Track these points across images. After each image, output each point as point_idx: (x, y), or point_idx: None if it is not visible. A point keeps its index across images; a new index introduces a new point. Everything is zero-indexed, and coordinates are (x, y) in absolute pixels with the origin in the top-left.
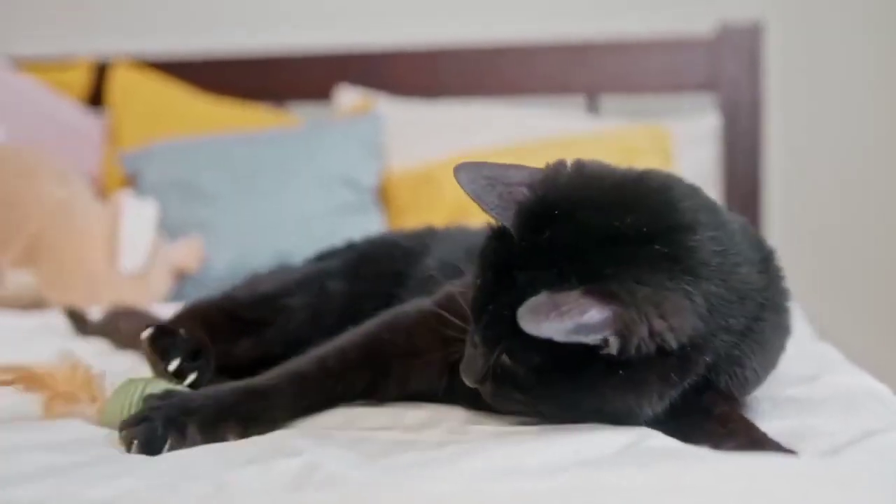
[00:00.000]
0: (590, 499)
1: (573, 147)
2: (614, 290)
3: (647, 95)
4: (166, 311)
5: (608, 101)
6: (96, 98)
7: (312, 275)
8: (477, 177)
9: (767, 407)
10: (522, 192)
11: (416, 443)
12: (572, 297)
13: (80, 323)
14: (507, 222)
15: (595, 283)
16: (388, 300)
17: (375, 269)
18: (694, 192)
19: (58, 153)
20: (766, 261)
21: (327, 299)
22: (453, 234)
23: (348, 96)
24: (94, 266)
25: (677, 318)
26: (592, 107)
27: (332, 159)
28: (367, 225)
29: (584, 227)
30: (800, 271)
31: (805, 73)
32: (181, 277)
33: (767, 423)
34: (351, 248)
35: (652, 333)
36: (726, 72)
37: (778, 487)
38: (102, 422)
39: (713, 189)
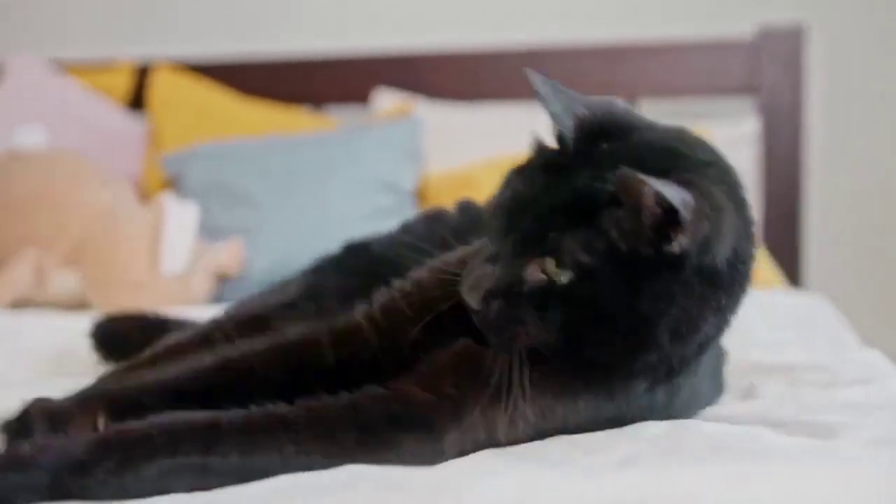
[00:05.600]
0: None
1: None
2: (691, 179)
3: (687, 98)
4: (208, 313)
5: (647, 104)
6: (138, 101)
7: (307, 292)
8: (547, 83)
9: (822, 407)
10: (582, 110)
11: None
12: (653, 178)
13: None
14: (566, 130)
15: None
16: None
17: (381, 273)
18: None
19: (100, 156)
20: None
21: (323, 316)
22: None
23: (386, 100)
24: (137, 269)
25: (728, 234)
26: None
27: (370, 163)
28: None
29: (644, 143)
30: (840, 276)
31: (848, 78)
32: (222, 280)
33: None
34: (351, 252)
35: (707, 238)
36: (767, 75)
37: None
38: None
39: (752, 192)
